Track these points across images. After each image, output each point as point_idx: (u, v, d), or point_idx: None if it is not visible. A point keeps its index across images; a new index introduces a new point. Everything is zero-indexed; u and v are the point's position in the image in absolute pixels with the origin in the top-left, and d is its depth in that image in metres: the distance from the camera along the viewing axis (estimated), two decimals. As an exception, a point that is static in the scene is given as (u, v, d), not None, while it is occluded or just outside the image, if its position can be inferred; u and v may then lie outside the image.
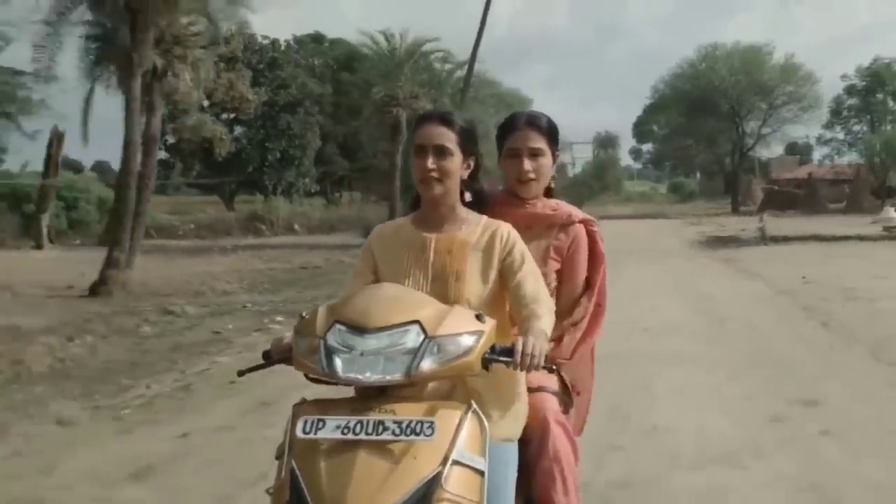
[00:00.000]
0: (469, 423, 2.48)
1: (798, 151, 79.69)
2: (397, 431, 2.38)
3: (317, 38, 58.09)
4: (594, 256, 3.47)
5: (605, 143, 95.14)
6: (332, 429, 2.40)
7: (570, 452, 3.03)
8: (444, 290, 2.88)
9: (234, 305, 14.34)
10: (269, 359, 2.85)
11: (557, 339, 3.25)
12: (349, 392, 2.67)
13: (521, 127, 3.39)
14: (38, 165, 31.30)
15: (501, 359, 2.61)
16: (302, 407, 2.56)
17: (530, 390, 3.05)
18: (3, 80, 24.63)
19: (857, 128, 61.75)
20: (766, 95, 58.96)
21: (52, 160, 29.07)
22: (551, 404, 3.07)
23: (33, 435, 6.66)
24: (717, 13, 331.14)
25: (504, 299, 2.97)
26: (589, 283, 3.46)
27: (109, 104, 31.59)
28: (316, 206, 49.08)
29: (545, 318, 2.83)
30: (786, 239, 27.55)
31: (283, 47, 50.26)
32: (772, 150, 69.54)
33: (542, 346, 2.62)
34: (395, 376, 2.47)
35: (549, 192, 3.50)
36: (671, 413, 6.78)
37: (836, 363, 8.72)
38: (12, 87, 25.10)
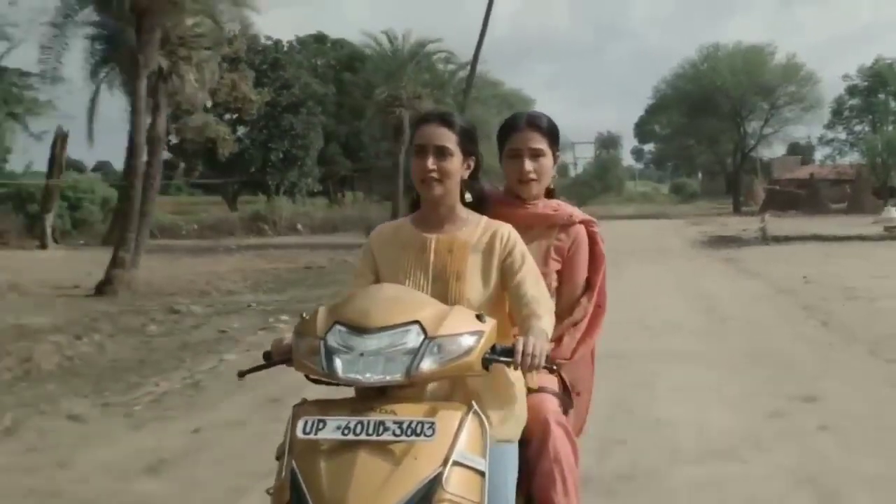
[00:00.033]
0: (470, 424, 2.48)
1: (800, 152, 79.62)
2: (398, 432, 2.37)
3: (319, 39, 58.23)
4: (595, 257, 3.47)
5: (607, 143, 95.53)
6: (332, 429, 2.40)
7: (570, 453, 3.03)
8: (444, 290, 2.88)
9: (239, 305, 14.41)
10: (270, 360, 2.85)
11: (557, 339, 3.25)
12: (349, 392, 2.67)
13: (521, 127, 3.40)
14: (41, 165, 31.47)
15: (502, 359, 2.61)
16: (302, 407, 2.56)
17: (530, 391, 3.05)
18: (10, 82, 24.77)
19: (858, 128, 61.51)
20: (768, 96, 59.03)
21: (56, 160, 29.23)
22: (552, 405, 3.07)
23: (47, 430, 6.77)
24: (719, 13, 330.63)
25: (504, 300, 2.98)
26: (589, 284, 3.46)
27: (111, 105, 31.80)
28: (319, 206, 49.29)
29: (545, 318, 2.83)
30: (787, 239, 27.63)
31: (285, 48, 50.42)
32: (773, 151, 69.72)
33: (542, 347, 2.63)
34: (396, 377, 2.47)
35: (549, 193, 3.50)
36: (672, 409, 6.90)
37: (836, 361, 8.84)
38: (20, 88, 25.23)
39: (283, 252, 26.52)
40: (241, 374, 2.98)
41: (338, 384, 2.58)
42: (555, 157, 3.45)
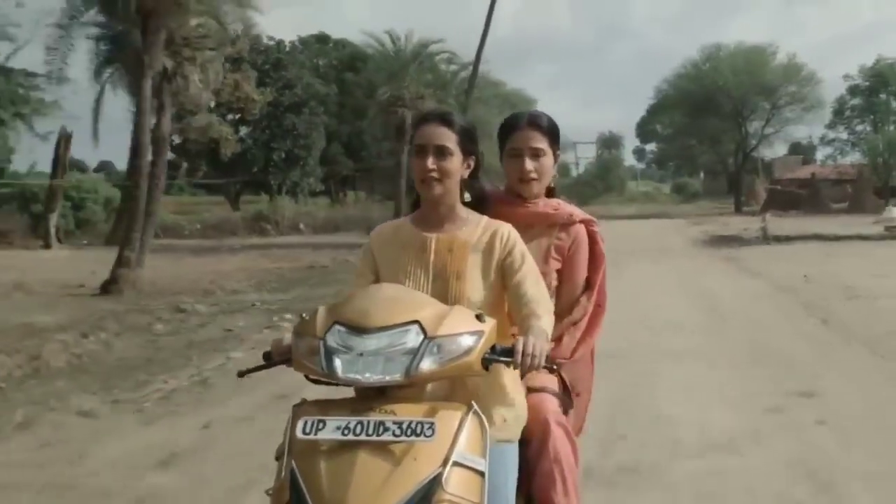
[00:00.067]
0: (469, 424, 2.48)
1: (801, 151, 79.61)
2: (397, 432, 2.37)
3: (321, 39, 58.37)
4: (594, 256, 3.47)
5: (609, 143, 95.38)
6: (332, 429, 2.39)
7: (570, 453, 3.02)
8: (444, 289, 2.88)
9: (243, 304, 14.47)
10: (270, 360, 2.85)
11: (557, 338, 3.26)
12: (349, 393, 2.66)
13: (522, 127, 3.41)
14: (44, 166, 31.55)
15: (502, 359, 2.60)
16: (302, 408, 2.55)
17: (530, 391, 3.06)
18: (16, 82, 24.88)
19: (860, 128, 61.73)
20: (770, 95, 59.06)
21: (60, 161, 29.32)
22: (552, 405, 3.07)
23: (60, 426, 6.88)
24: (721, 13, 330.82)
25: (504, 299, 2.98)
26: (589, 283, 3.46)
27: (114, 105, 31.92)
28: (321, 205, 49.39)
29: (545, 318, 2.83)
30: (788, 238, 27.67)
31: (287, 48, 50.51)
32: (775, 151, 69.74)
33: (542, 347, 2.62)
34: (395, 377, 2.46)
35: (550, 192, 3.51)
36: (673, 405, 7.01)
37: (835, 358, 8.95)
38: (26, 88, 25.33)
39: (286, 251, 26.54)
40: (241, 374, 3.00)
41: (337, 384, 2.58)
42: (555, 157, 3.46)
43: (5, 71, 25.08)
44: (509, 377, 2.84)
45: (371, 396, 2.53)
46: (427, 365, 2.47)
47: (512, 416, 2.87)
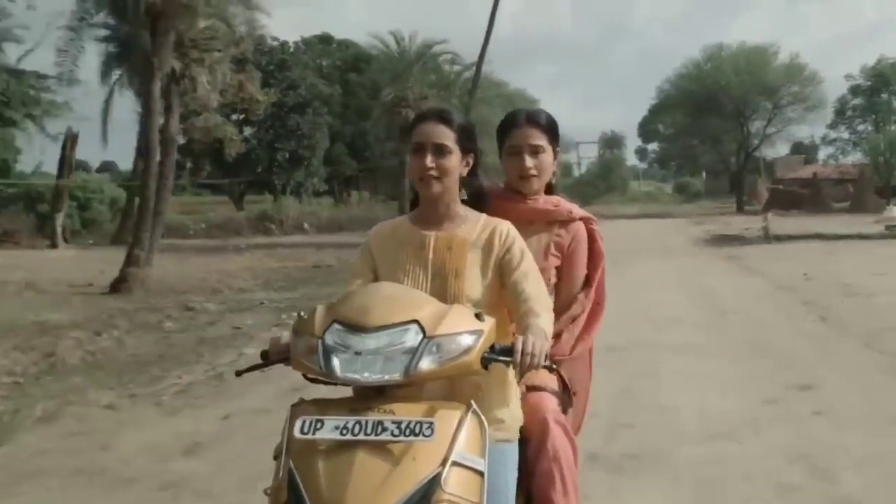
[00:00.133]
0: (469, 424, 2.46)
1: (803, 151, 79.61)
2: (396, 432, 2.34)
3: (324, 40, 58.51)
4: (594, 254, 3.47)
5: (611, 143, 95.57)
6: (330, 429, 2.36)
7: (569, 453, 3.02)
8: (443, 287, 2.86)
9: (251, 302, 14.63)
10: (267, 359, 2.82)
11: (556, 335, 3.22)
12: (347, 392, 2.65)
13: (521, 124, 3.40)
14: (49, 166, 31.69)
15: (501, 358, 2.58)
16: (300, 407, 2.53)
17: (530, 390, 3.07)
18: (28, 84, 25.08)
19: (861, 128, 61.86)
20: (771, 95, 58.96)
21: (67, 161, 29.45)
22: (551, 404, 3.06)
23: (83, 418, 7.10)
24: (722, 13, 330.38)
25: (504, 297, 2.95)
26: (588, 280, 3.46)
27: (118, 106, 32.09)
28: (325, 205, 49.48)
29: (543, 315, 2.80)
30: (789, 237, 27.76)
31: (291, 49, 50.64)
32: (777, 150, 69.64)
33: (542, 345, 2.59)
34: (394, 376, 2.44)
35: (549, 189, 3.50)
36: (675, 395, 7.26)
37: (832, 353, 9.16)
38: (37, 90, 25.51)
39: (290, 251, 26.66)
40: (239, 374, 3.01)
41: (336, 384, 2.55)
42: (555, 153, 3.46)
43: (17, 73, 25.28)
44: (508, 376, 2.84)
45: (370, 396, 2.51)
46: (426, 364, 2.45)
47: (511, 416, 2.87)
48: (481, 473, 2.45)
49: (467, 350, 2.51)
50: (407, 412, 2.41)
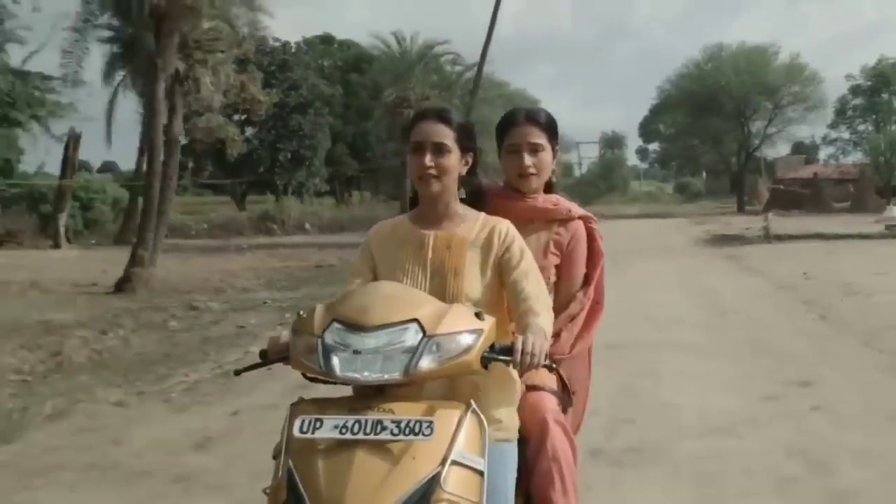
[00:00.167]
0: (468, 423, 2.45)
1: (804, 151, 79.58)
2: (396, 431, 2.34)
3: (326, 40, 58.57)
4: (593, 253, 3.47)
5: (612, 143, 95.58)
6: (329, 428, 2.36)
7: (569, 452, 3.01)
8: (442, 286, 2.86)
9: (254, 301, 14.68)
10: (267, 358, 2.81)
11: (555, 334, 3.21)
12: (347, 391, 2.64)
13: (520, 123, 3.40)
14: (51, 166, 31.74)
15: (501, 358, 2.57)
16: (299, 406, 2.52)
17: (529, 389, 3.06)
18: (33, 85, 25.16)
19: (862, 127, 61.88)
20: (772, 95, 58.90)
21: (70, 161, 29.50)
22: (550, 404, 3.05)
23: (93, 415, 7.21)
24: (722, 13, 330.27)
25: (503, 296, 2.95)
26: (587, 279, 3.45)
27: (120, 106, 32.16)
28: (326, 205, 49.51)
29: (543, 314, 2.80)
30: (790, 237, 27.81)
31: (293, 49, 50.72)
32: (777, 150, 69.58)
33: (542, 345, 2.58)
34: (394, 375, 2.43)
35: (549, 188, 3.50)
36: (676, 393, 7.37)
37: (832, 351, 9.26)
38: (42, 91, 25.59)
39: (292, 251, 26.70)
40: (238, 373, 3.02)
41: (335, 383, 2.55)
42: (554, 152, 3.46)
43: (22, 74, 25.35)
44: (508, 376, 2.84)
45: (369, 395, 2.51)
46: (426, 363, 2.45)
47: (511, 415, 2.87)
48: (481, 473, 2.44)
49: (467, 349, 2.50)
50: (406, 411, 2.41)
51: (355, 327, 2.47)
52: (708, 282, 16.47)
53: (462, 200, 3.06)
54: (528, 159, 3.36)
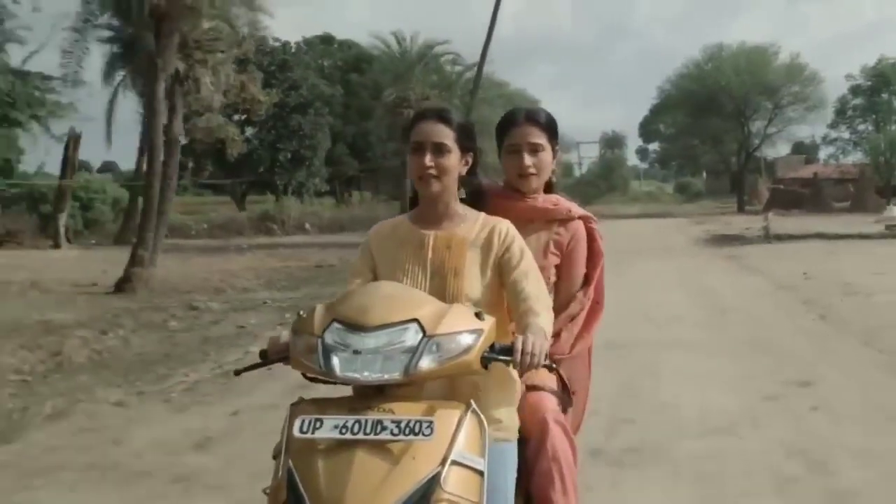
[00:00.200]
0: (468, 423, 2.45)
1: (804, 151, 79.62)
2: (396, 431, 2.34)
3: (326, 40, 58.58)
4: (593, 253, 3.46)
5: (612, 143, 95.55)
6: (329, 428, 2.35)
7: (568, 452, 3.01)
8: (442, 286, 2.86)
9: (254, 301, 14.69)
10: (266, 358, 2.81)
11: (555, 334, 3.20)
12: (347, 391, 2.64)
13: (520, 123, 3.40)
14: (51, 166, 31.76)
15: (501, 358, 2.57)
16: (299, 406, 2.51)
17: (529, 389, 3.05)
18: (33, 85, 25.18)
19: (862, 127, 61.88)
20: (772, 95, 58.92)
21: (70, 161, 29.53)
22: (550, 404, 3.05)
23: (93, 415, 7.21)
24: (722, 13, 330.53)
25: (503, 296, 2.94)
26: (587, 279, 3.45)
27: (120, 107, 32.21)
28: (326, 205, 49.52)
29: (543, 314, 2.79)
30: (790, 237, 27.83)
31: (293, 49, 50.73)
32: (777, 150, 69.65)
33: (542, 345, 2.58)
34: (394, 375, 2.43)
35: (549, 188, 3.50)
36: (676, 392, 7.39)
37: (831, 350, 9.27)
38: (42, 91, 25.62)
39: (292, 251, 26.71)
40: (237, 373, 3.02)
41: (335, 383, 2.54)
42: (554, 152, 3.45)
43: (22, 74, 25.39)
44: (508, 376, 2.83)
45: (369, 395, 2.50)
46: (426, 363, 2.44)
47: (511, 415, 2.87)
48: (481, 473, 2.44)
49: (467, 349, 2.50)
50: (406, 411, 2.41)
51: (355, 327, 2.46)
52: (708, 281, 16.49)
53: (462, 200, 3.06)
54: (528, 159, 3.35)
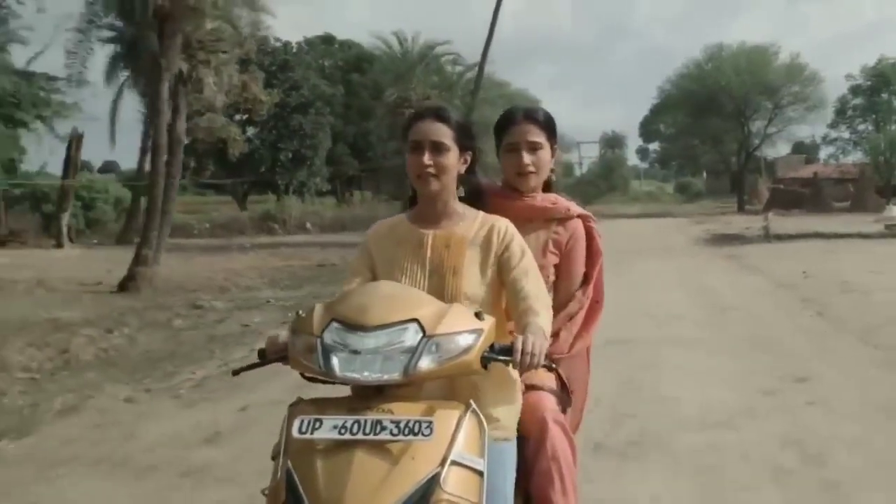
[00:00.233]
0: (468, 423, 2.44)
1: (804, 151, 79.63)
2: (395, 431, 2.33)
3: (327, 40, 58.64)
4: (591, 252, 3.46)
5: (612, 142, 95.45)
6: (328, 429, 2.35)
7: (568, 452, 3.00)
8: (441, 285, 2.85)
9: (258, 300, 14.76)
10: (265, 357, 2.80)
11: (554, 333, 3.19)
12: (346, 391, 2.63)
13: (518, 121, 3.39)
14: (53, 166, 31.83)
15: (501, 358, 2.56)
16: (298, 406, 2.51)
17: (528, 389, 3.04)
18: (38, 86, 25.26)
19: (862, 127, 61.92)
20: (772, 95, 58.85)
21: (72, 161, 29.62)
22: (549, 403, 3.03)
23: (104, 411, 7.33)
24: (723, 13, 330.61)
25: (502, 295, 2.95)
26: (586, 278, 3.44)
27: (122, 107, 32.30)
28: (327, 205, 49.57)
29: (542, 314, 2.79)
30: (789, 236, 27.86)
31: (294, 49, 50.82)
32: (777, 150, 69.60)
33: (541, 345, 2.58)
34: (393, 375, 2.42)
35: (548, 187, 3.49)
36: (676, 387, 7.52)
37: (829, 347, 9.38)
38: (47, 91, 25.70)
39: (294, 250, 26.76)
40: (235, 373, 3.00)
41: (335, 383, 2.53)
42: (552, 151, 3.44)
43: (27, 75, 25.47)
44: (507, 375, 2.83)
45: (368, 395, 2.49)
46: (425, 364, 2.43)
47: (510, 415, 2.86)
48: (480, 473, 2.44)
49: (467, 349, 2.49)
50: (406, 411, 2.40)
51: (355, 327, 2.46)
52: (708, 280, 16.56)
53: (461, 199, 3.07)
54: (526, 158, 3.36)
